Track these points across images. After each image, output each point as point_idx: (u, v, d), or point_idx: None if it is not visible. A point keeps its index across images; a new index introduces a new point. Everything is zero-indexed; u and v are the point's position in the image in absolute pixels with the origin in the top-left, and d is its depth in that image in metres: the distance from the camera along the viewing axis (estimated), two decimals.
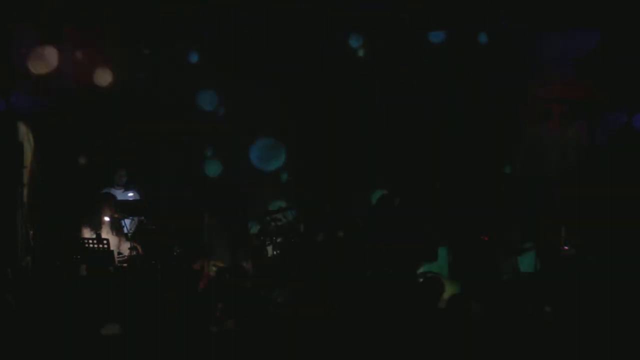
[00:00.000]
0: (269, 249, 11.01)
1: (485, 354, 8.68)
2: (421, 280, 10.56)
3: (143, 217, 10.63)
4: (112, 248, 9.90)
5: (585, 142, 11.96)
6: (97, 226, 10.27)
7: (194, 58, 11.77)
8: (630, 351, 8.61)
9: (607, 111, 11.58)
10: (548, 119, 11.99)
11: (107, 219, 10.31)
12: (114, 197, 10.48)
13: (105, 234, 10.17)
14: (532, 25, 11.74)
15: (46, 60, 11.17)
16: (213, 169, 11.53)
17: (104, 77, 11.53)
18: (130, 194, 10.90)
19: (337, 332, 9.17)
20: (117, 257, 10.04)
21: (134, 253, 10.02)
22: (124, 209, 10.43)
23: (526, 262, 10.93)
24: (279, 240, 11.08)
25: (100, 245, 9.76)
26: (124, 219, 10.38)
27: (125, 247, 10.24)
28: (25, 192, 11.25)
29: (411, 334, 9.15)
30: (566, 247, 10.91)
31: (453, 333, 9.17)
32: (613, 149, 11.75)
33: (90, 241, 9.82)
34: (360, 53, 11.87)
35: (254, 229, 11.48)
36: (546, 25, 11.84)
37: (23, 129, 11.42)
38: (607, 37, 11.52)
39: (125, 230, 10.33)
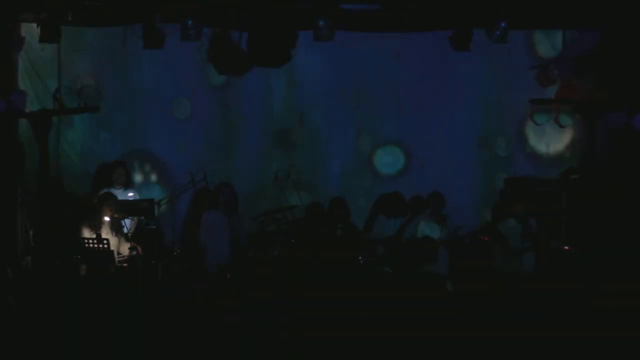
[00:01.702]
0: (270, 248, 10.99)
1: (485, 353, 8.69)
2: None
3: (143, 217, 10.61)
4: (112, 248, 9.88)
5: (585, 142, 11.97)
6: (97, 226, 10.26)
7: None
8: (630, 351, 8.61)
9: (607, 111, 11.56)
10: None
11: (107, 219, 10.29)
12: (114, 197, 10.46)
13: (105, 234, 10.16)
14: (533, 25, 11.75)
15: None
16: None
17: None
18: (130, 194, 10.89)
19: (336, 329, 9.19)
20: (117, 257, 10.02)
21: (134, 253, 10.00)
22: (124, 209, 10.41)
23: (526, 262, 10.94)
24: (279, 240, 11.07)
25: (100, 245, 9.74)
26: (124, 219, 10.37)
27: (125, 247, 10.22)
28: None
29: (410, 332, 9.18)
30: (566, 247, 10.91)
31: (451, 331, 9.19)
32: (613, 149, 11.75)
33: (90, 241, 9.81)
34: None
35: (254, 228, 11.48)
36: (546, 25, 11.85)
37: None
38: (607, 37, 11.52)
39: (125, 230, 10.33)
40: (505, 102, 12.17)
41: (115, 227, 10.34)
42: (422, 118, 12.17)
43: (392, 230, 11.18)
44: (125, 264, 10.01)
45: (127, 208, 10.50)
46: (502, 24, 11.25)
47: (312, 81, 12.07)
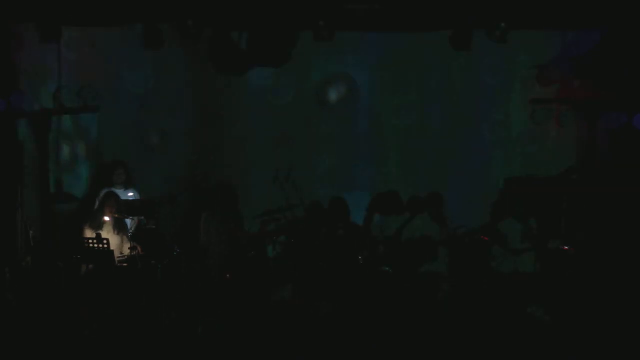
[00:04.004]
0: (269, 248, 11.00)
1: (484, 353, 8.69)
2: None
3: (143, 217, 10.60)
4: (113, 248, 9.87)
5: (585, 142, 11.97)
6: (98, 226, 10.26)
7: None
8: (630, 351, 8.61)
9: (607, 111, 11.57)
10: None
11: (107, 218, 10.29)
12: (116, 196, 10.45)
13: (106, 233, 10.15)
14: (533, 25, 11.74)
15: None
16: None
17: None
18: (131, 194, 10.88)
19: (336, 329, 9.20)
20: (117, 257, 10.01)
21: (134, 253, 9.99)
22: (126, 209, 10.40)
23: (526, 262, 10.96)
24: (279, 240, 11.09)
25: (100, 245, 9.74)
26: (124, 219, 10.38)
27: (126, 247, 10.22)
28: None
29: (409, 332, 9.18)
30: (566, 247, 10.92)
31: (451, 332, 9.20)
32: (613, 149, 11.75)
33: (90, 241, 9.80)
34: None
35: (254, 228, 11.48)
36: (546, 25, 11.84)
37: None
38: (607, 37, 11.52)
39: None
40: (505, 102, 12.18)
41: (119, 227, 10.34)
42: (422, 118, 12.18)
43: (392, 230, 11.19)
44: (125, 264, 10.01)
45: (128, 208, 10.49)
46: (502, 24, 11.25)
47: (314, 80, 12.10)
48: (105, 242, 9.74)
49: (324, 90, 11.99)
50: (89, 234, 10.16)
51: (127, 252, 10.15)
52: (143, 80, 11.86)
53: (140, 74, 11.84)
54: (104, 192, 10.68)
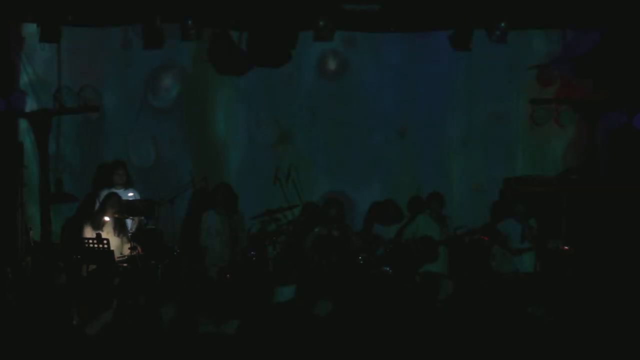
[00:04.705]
0: (269, 248, 10.99)
1: (485, 353, 8.69)
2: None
3: (143, 217, 10.60)
4: (113, 248, 9.87)
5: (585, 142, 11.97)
6: (98, 226, 10.26)
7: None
8: (630, 351, 8.61)
9: (607, 111, 11.57)
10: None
11: (107, 218, 10.29)
12: (118, 197, 10.45)
13: (106, 233, 10.15)
14: (533, 25, 11.75)
15: None
16: None
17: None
18: (131, 194, 10.87)
19: (336, 330, 9.19)
20: (117, 257, 10.01)
21: (134, 253, 9.99)
22: (127, 209, 10.40)
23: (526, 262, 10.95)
24: (279, 239, 11.08)
25: (100, 245, 9.74)
26: (125, 219, 10.38)
27: (126, 247, 10.22)
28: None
29: (409, 332, 9.18)
30: (566, 247, 10.92)
31: (451, 332, 9.19)
32: (613, 149, 11.75)
33: (90, 241, 9.80)
34: None
35: (255, 228, 11.48)
36: (546, 25, 11.85)
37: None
38: (607, 37, 11.52)
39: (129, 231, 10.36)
40: (505, 102, 12.18)
41: (119, 228, 10.34)
42: (423, 118, 12.18)
43: (393, 230, 11.20)
44: (125, 264, 10.01)
45: (129, 208, 10.49)
46: (502, 24, 11.26)
47: (314, 79, 12.10)
48: (105, 242, 9.75)
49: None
50: (89, 234, 10.16)
51: (127, 252, 10.15)
52: (143, 81, 11.87)
53: (139, 74, 11.85)
54: (104, 192, 10.67)
